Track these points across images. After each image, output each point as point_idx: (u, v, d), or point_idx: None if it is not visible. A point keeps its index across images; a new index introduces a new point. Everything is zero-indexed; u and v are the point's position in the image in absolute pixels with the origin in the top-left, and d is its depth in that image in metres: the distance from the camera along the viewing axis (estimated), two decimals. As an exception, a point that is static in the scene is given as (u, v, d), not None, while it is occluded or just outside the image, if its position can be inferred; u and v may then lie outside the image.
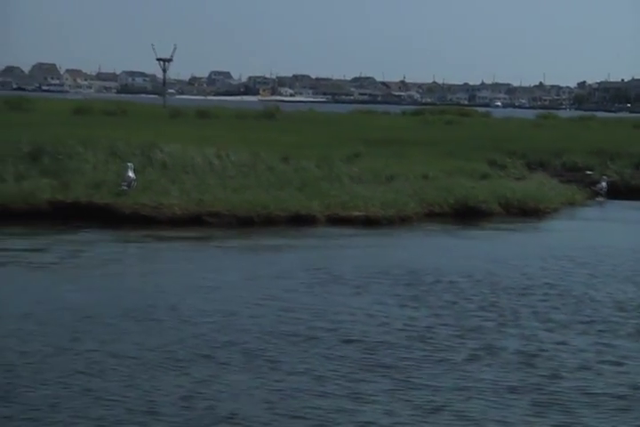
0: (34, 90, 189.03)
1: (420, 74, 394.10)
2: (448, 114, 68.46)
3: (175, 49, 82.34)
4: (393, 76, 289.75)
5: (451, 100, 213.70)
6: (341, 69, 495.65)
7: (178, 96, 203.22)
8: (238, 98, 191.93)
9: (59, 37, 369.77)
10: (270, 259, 17.39)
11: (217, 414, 8.67)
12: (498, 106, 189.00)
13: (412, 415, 8.78)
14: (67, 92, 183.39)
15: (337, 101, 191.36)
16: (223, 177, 23.44)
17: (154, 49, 78.68)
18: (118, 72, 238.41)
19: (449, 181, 24.58)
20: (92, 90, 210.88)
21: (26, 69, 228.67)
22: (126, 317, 12.20)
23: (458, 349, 10.99)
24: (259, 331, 11.65)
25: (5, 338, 11.11)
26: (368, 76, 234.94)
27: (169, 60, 79.66)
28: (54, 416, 8.52)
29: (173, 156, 24.76)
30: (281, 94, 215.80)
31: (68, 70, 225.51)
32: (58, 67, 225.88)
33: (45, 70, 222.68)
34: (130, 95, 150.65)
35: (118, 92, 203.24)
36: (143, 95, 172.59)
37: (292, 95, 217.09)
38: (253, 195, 21.75)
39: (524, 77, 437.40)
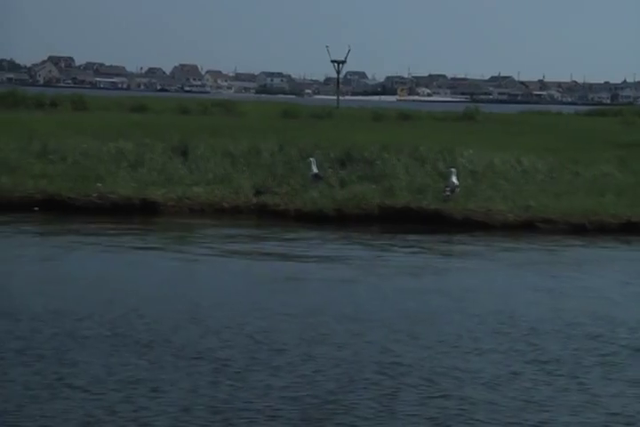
0: (176, 91, 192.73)
1: (559, 72, 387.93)
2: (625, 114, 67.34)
3: (349, 51, 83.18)
4: (530, 75, 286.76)
5: (592, 99, 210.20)
6: (476, 69, 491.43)
7: (315, 96, 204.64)
8: (376, 98, 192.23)
9: (198, 39, 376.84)
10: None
11: None
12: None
13: None
14: (207, 92, 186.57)
15: (475, 101, 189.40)
16: (536, 182, 23.63)
17: (328, 51, 79.58)
18: (255, 73, 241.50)
19: None
20: (231, 91, 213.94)
21: (167, 71, 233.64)
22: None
23: None
24: None
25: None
26: (506, 75, 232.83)
27: (343, 62, 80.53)
28: None
29: (473, 161, 25.10)
30: (418, 94, 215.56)
31: (208, 71, 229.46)
32: (199, 68, 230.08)
33: (186, 71, 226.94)
34: (270, 95, 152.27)
35: (257, 92, 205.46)
36: (281, 95, 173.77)
37: (429, 95, 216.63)
38: (578, 201, 21.83)
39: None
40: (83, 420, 8.46)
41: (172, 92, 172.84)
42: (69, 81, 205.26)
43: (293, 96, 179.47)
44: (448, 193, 22.14)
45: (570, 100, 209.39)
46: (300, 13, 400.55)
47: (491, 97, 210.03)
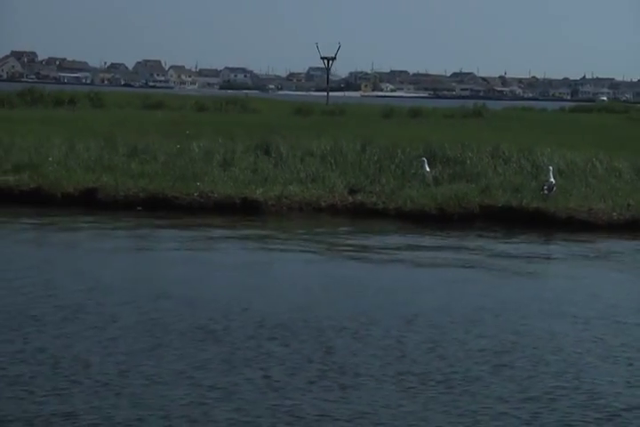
0: (140, 86, 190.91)
1: (519, 68, 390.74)
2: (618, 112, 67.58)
3: (339, 47, 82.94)
4: (491, 72, 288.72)
5: (553, 95, 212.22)
6: (437, 65, 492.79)
7: (279, 92, 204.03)
8: (341, 93, 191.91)
9: (159, 34, 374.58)
10: None
11: None
12: (603, 100, 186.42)
13: None
14: (171, 88, 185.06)
15: (439, 97, 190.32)
16: (626, 181, 23.70)
17: (318, 48, 79.07)
18: (219, 68, 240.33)
19: None
20: (195, 86, 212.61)
21: (130, 66, 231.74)
22: None
23: None
24: None
25: None
26: (467, 71, 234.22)
27: (333, 59, 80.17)
28: None
29: (553, 160, 25.13)
30: (382, 90, 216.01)
31: (172, 66, 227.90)
32: (163, 63, 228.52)
33: (150, 67, 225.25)
34: (234, 91, 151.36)
35: (221, 88, 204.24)
36: (245, 91, 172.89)
37: (392, 91, 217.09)
38: (675, 199, 21.93)
39: (626, 72, 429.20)
40: None
41: (135, 87, 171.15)
42: (33, 76, 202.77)
43: (257, 91, 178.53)
44: (546, 192, 22.09)
45: (531, 95, 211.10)
46: (261, 9, 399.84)
47: (454, 93, 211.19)
